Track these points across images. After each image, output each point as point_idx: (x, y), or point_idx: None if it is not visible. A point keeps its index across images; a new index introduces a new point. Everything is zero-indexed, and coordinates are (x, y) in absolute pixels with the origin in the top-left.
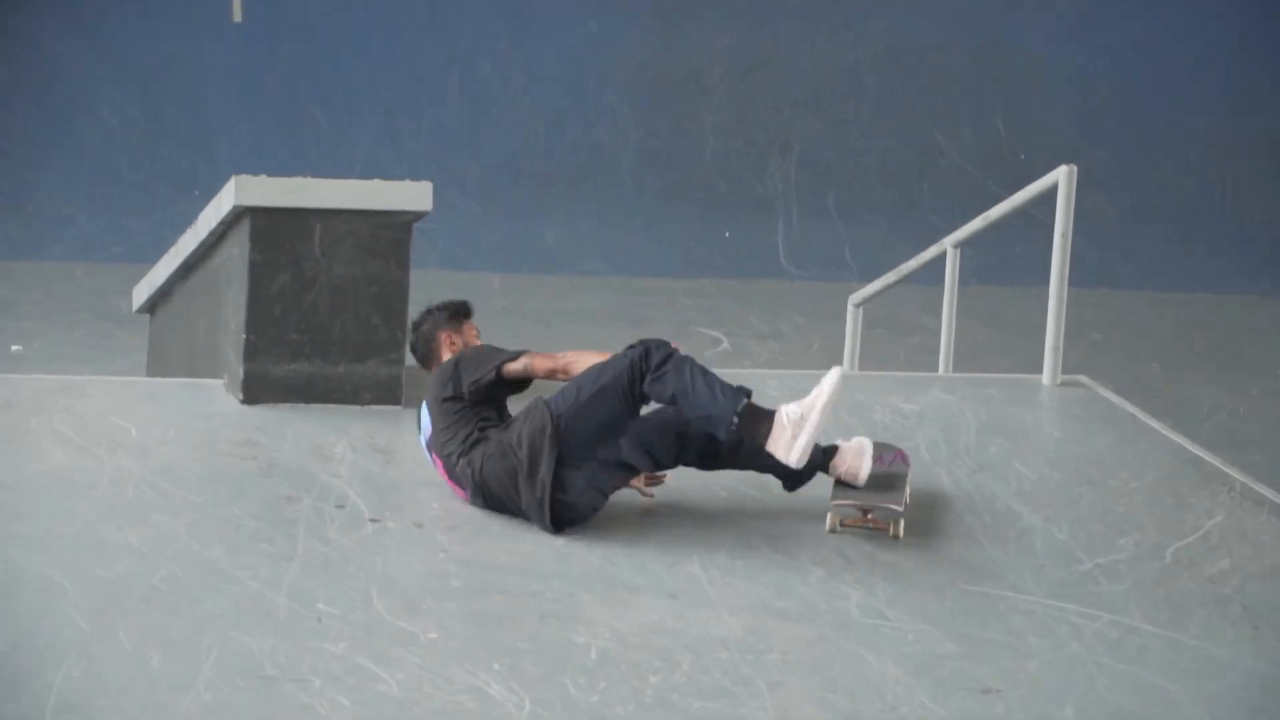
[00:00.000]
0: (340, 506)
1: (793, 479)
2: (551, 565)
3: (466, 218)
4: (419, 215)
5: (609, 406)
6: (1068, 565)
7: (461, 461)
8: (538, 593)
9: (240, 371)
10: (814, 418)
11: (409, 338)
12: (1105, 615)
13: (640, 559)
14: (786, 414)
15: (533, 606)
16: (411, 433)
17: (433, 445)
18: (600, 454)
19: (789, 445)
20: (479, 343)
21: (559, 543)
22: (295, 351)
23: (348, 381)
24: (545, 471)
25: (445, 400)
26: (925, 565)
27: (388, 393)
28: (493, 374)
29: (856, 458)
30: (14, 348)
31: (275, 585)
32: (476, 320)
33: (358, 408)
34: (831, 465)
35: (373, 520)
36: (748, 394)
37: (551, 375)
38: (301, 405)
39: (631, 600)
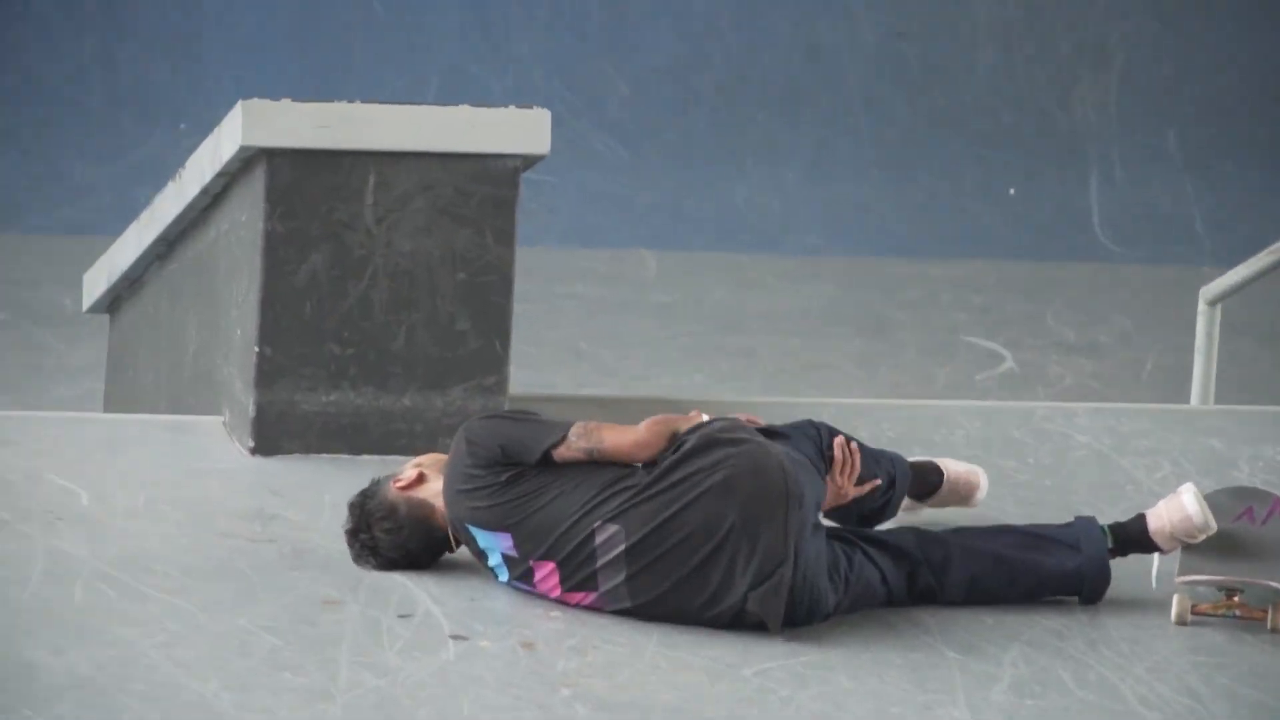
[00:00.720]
0: (406, 616)
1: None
2: (739, 706)
3: (607, 165)
4: (531, 161)
5: None
6: None
7: (597, 532)
8: None
9: (250, 405)
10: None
11: (361, 546)
12: None
13: (876, 696)
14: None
15: None
16: None
17: (524, 563)
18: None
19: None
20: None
21: (748, 673)
22: (336, 374)
23: (419, 420)
24: (793, 488)
25: (493, 487)
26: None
27: None
28: (548, 449)
29: (1179, 503)
30: None
31: None
32: (622, 322)
33: None
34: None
35: (456, 638)
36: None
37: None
38: (346, 457)
39: None
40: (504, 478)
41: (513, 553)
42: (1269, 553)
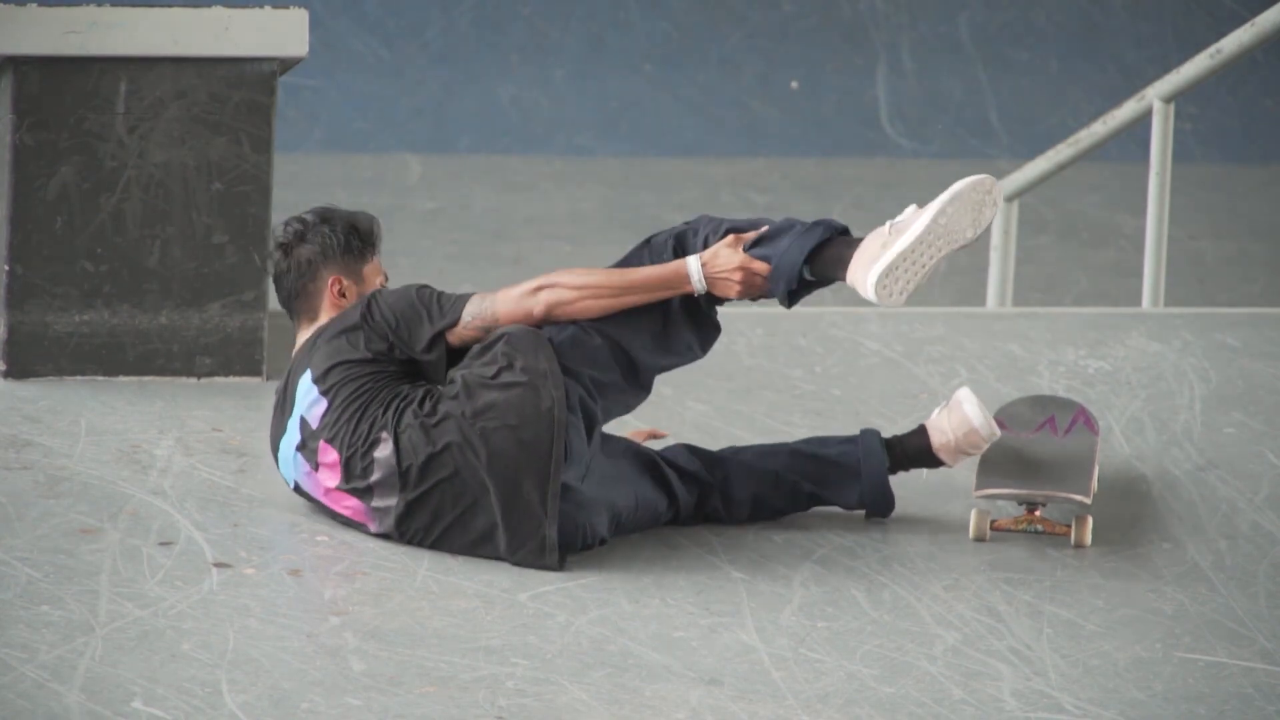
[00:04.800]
0: (167, 544)
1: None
2: (515, 633)
3: (367, 67)
4: (288, 64)
5: (643, 330)
6: None
7: (380, 444)
8: (493, 680)
9: (0, 326)
10: (912, 233)
11: (272, 263)
12: None
13: (659, 619)
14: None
15: (485, 702)
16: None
17: (316, 438)
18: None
19: (866, 265)
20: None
21: (524, 597)
22: (89, 293)
23: (175, 339)
24: (557, 446)
25: (357, 363)
26: (1123, 620)
27: (242, 356)
28: (440, 332)
29: (961, 414)
30: None
31: (64, 675)
32: (385, 229)
33: (192, 381)
34: (930, 430)
35: (220, 566)
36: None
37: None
38: (101, 379)
39: (646, 689)
40: (372, 352)
41: (315, 422)
42: (1072, 465)
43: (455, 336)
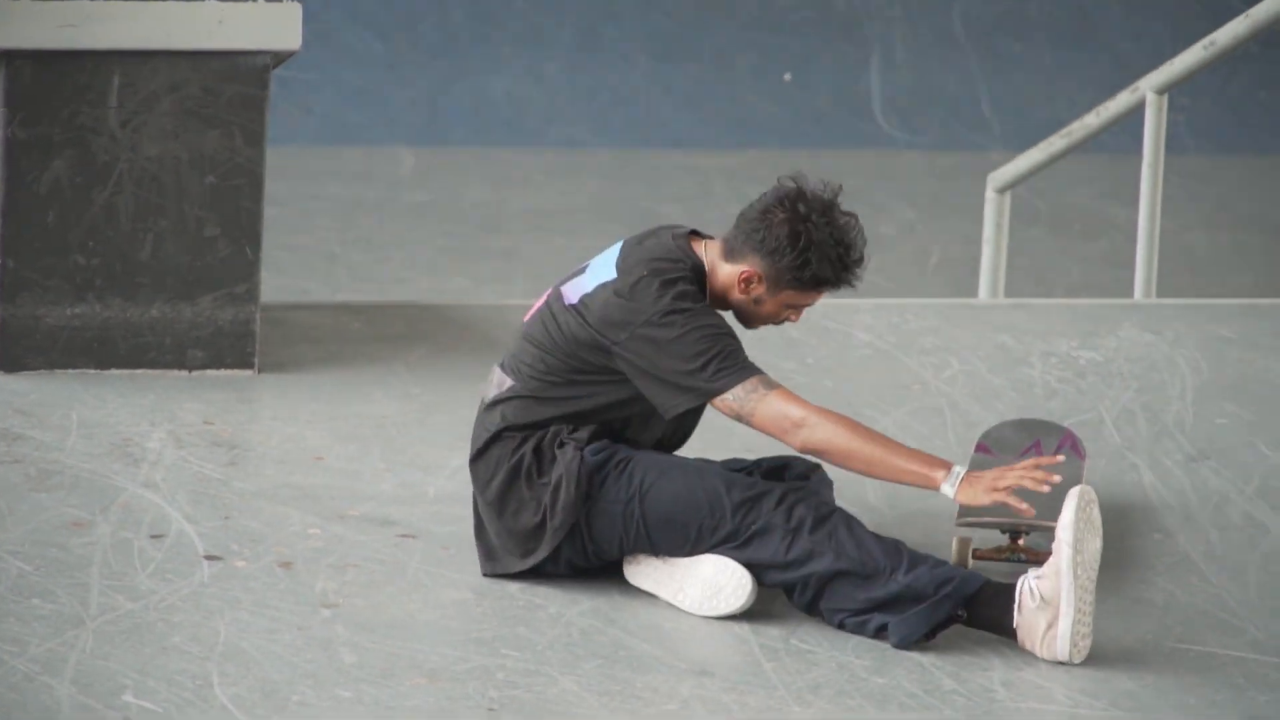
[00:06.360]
0: (158, 537)
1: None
2: (506, 625)
3: (361, 60)
4: (282, 57)
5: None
6: None
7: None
8: (484, 671)
9: None
10: (1068, 598)
11: (752, 223)
12: None
13: (650, 610)
14: (1028, 590)
15: (476, 694)
16: (271, 411)
17: (521, 343)
18: None
19: (1048, 644)
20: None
21: (515, 589)
22: (81, 286)
23: (167, 332)
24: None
25: (595, 348)
26: (1114, 614)
27: (233, 349)
28: (702, 396)
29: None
30: None
31: (55, 668)
32: (377, 223)
33: (184, 374)
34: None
35: (211, 559)
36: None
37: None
38: (93, 372)
39: (636, 680)
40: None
41: (566, 298)
42: (1056, 492)
43: (715, 403)
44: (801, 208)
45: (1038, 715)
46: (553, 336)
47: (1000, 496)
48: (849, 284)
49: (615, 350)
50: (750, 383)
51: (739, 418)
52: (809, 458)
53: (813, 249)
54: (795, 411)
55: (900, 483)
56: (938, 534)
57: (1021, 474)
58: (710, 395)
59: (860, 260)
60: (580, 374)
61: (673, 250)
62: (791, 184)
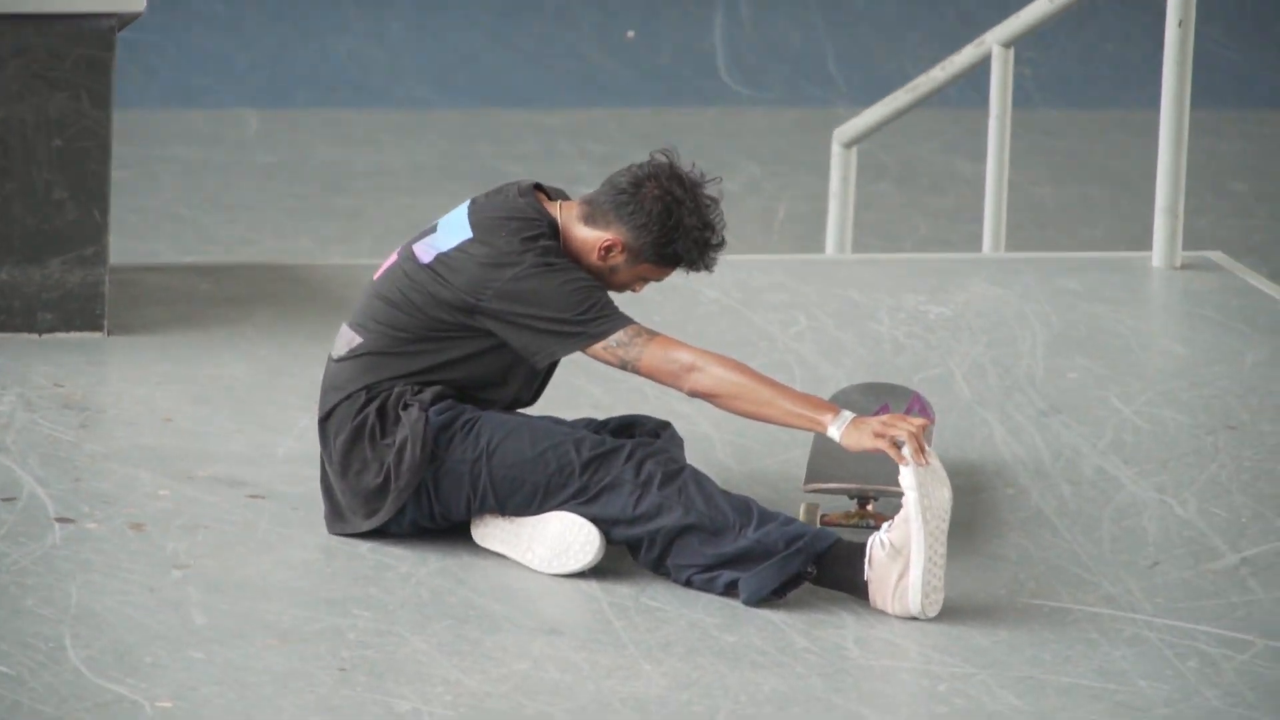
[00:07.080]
0: (9, 500)
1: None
2: (356, 585)
3: (205, 22)
4: (127, 20)
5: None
6: (1197, 561)
7: (355, 392)
8: (336, 632)
9: None
10: (918, 544)
11: (622, 193)
12: (1259, 641)
13: (500, 570)
14: (878, 543)
15: (328, 655)
16: (121, 373)
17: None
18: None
19: (900, 595)
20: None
21: (365, 548)
22: None
23: (16, 295)
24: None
25: (456, 308)
26: (967, 571)
27: (83, 311)
28: (577, 345)
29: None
30: None
31: None
32: (224, 185)
33: (34, 337)
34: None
35: (62, 521)
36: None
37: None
38: None
39: (487, 640)
40: (462, 311)
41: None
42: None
43: (589, 351)
44: (674, 186)
45: (891, 672)
46: (407, 295)
47: (883, 444)
48: (707, 268)
49: (483, 305)
50: (631, 329)
51: (624, 365)
52: (660, 418)
53: (680, 229)
54: (684, 356)
55: (787, 425)
56: (789, 492)
57: (910, 432)
58: (593, 339)
59: (721, 244)
60: (434, 331)
61: (525, 209)
62: (664, 159)
